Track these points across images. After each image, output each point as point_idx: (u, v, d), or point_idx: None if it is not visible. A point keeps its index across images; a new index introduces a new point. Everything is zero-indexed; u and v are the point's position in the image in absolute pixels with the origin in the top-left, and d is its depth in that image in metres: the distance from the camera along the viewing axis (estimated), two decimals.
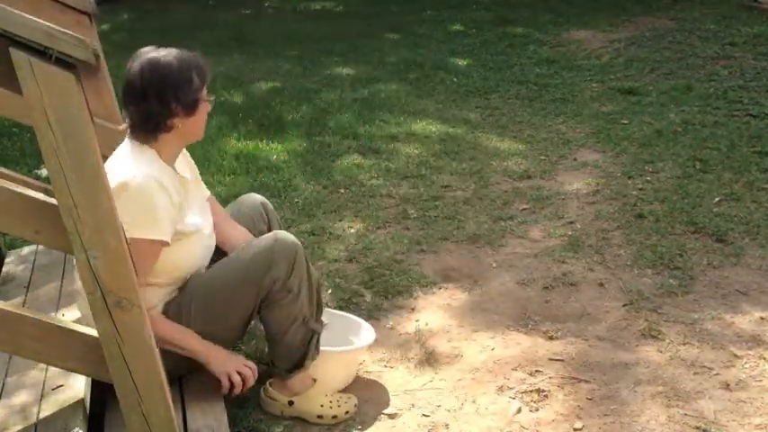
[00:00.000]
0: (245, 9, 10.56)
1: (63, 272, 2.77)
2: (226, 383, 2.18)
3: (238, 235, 2.43)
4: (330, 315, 2.63)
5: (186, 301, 2.18)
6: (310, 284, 2.28)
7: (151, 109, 2.07)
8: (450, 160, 4.52)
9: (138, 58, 2.10)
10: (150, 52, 2.12)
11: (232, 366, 2.20)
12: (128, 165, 2.05)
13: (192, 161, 2.42)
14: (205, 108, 2.19)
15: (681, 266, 3.18)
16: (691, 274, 3.13)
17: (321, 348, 2.38)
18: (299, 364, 2.34)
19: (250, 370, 2.22)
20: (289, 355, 2.32)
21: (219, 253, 2.35)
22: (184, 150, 2.33)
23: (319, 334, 2.35)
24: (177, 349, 2.14)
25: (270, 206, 2.62)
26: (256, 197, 2.62)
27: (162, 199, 2.03)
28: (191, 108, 2.12)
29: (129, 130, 2.14)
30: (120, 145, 2.16)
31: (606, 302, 2.99)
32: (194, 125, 2.18)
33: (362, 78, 6.44)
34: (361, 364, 2.67)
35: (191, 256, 2.21)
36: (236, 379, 2.18)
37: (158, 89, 2.07)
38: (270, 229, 2.56)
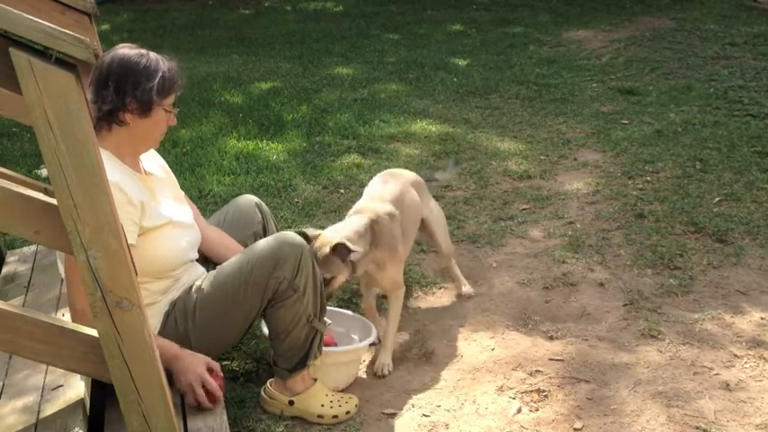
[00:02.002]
0: (244, 9, 10.56)
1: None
2: (191, 400, 2.08)
3: (228, 244, 2.44)
4: (333, 314, 2.63)
5: (191, 302, 2.19)
6: (315, 284, 2.28)
7: (107, 97, 2.05)
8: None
9: (114, 50, 2.10)
10: (127, 47, 2.11)
11: (196, 379, 2.07)
12: None
13: (166, 164, 2.42)
14: (163, 117, 2.15)
15: (681, 266, 3.18)
16: (691, 274, 3.13)
17: (323, 348, 2.38)
18: (301, 363, 2.34)
19: (217, 380, 2.10)
20: (291, 354, 2.32)
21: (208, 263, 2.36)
22: (154, 152, 2.33)
23: (322, 334, 2.35)
24: None
25: (265, 207, 2.62)
26: (251, 198, 2.62)
27: (117, 200, 2.03)
28: (145, 108, 2.09)
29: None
30: None
31: (606, 302, 2.99)
32: (147, 129, 2.14)
33: (362, 78, 6.45)
34: (362, 362, 2.67)
35: (166, 247, 2.18)
36: (200, 395, 2.06)
37: (118, 79, 2.05)
38: (265, 230, 2.57)
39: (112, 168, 2.05)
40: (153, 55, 2.13)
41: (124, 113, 2.08)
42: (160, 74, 2.10)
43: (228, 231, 2.51)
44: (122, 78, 2.06)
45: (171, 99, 2.15)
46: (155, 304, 2.19)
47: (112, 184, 2.00)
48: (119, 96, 2.06)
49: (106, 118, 2.09)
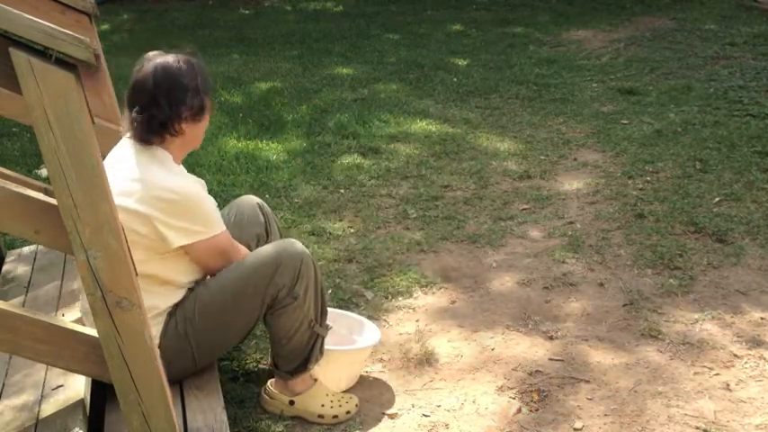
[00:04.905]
0: (244, 9, 10.56)
1: (63, 272, 2.77)
2: None
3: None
4: (335, 315, 2.63)
5: (192, 305, 2.19)
6: (317, 289, 2.28)
7: (160, 112, 2.08)
8: (451, 160, 4.52)
9: (149, 61, 2.10)
10: (160, 56, 2.12)
11: None
12: (172, 176, 2.09)
13: None
14: (207, 116, 2.21)
15: (681, 266, 3.18)
16: (691, 274, 3.13)
17: (326, 347, 2.38)
18: (302, 366, 2.34)
19: None
20: (292, 358, 2.33)
21: None
22: None
23: (323, 338, 2.35)
24: None
25: (267, 208, 2.62)
26: (253, 199, 2.62)
27: (210, 198, 2.18)
28: (199, 113, 2.15)
29: (131, 132, 2.13)
30: (126, 148, 2.15)
31: (606, 302, 2.99)
32: (198, 132, 2.21)
33: (362, 78, 6.44)
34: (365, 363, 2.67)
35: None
36: None
37: (168, 91, 2.08)
38: (267, 231, 2.56)
39: (192, 181, 2.16)
40: (183, 56, 2.15)
41: (179, 124, 2.12)
42: (200, 75, 2.15)
43: (230, 233, 2.51)
44: (172, 90, 2.09)
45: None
46: (162, 308, 2.19)
47: (202, 185, 2.13)
48: (173, 109, 2.09)
49: (158, 131, 2.11)
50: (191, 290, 2.21)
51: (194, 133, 2.18)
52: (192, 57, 2.17)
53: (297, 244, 2.26)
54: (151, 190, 2.04)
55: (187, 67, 2.12)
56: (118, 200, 2.00)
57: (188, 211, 2.07)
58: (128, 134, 2.15)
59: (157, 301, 2.14)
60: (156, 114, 2.08)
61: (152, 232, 2.06)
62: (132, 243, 2.00)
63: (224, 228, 2.19)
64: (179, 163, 2.20)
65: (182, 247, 2.11)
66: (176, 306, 2.19)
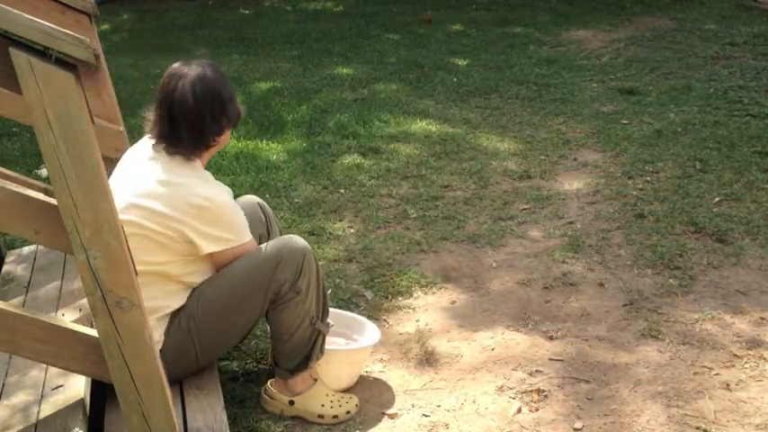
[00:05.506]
0: (244, 9, 10.56)
1: (63, 272, 2.77)
2: None
3: None
4: (335, 315, 2.63)
5: (194, 303, 2.19)
6: (318, 286, 2.28)
7: (207, 128, 2.12)
8: (451, 160, 4.52)
9: (183, 78, 2.10)
10: (192, 70, 2.12)
11: None
12: (202, 183, 2.12)
13: None
14: None
15: (681, 266, 3.18)
16: (691, 274, 3.13)
17: (326, 347, 2.38)
18: (303, 364, 2.34)
19: None
20: (294, 355, 2.33)
21: None
22: None
23: (325, 335, 2.35)
24: None
25: (267, 207, 2.62)
26: (253, 198, 2.62)
27: (238, 206, 2.22)
28: (235, 120, 2.20)
29: (172, 148, 2.13)
30: (151, 151, 2.16)
31: (606, 302, 2.99)
32: (228, 136, 2.25)
33: (362, 78, 6.44)
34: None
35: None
36: None
37: (212, 107, 2.12)
38: (268, 231, 2.57)
39: (222, 188, 2.18)
40: (207, 65, 2.16)
41: (221, 135, 2.17)
42: (227, 80, 2.19)
43: None
44: (213, 105, 2.12)
45: None
46: (174, 307, 2.19)
47: (232, 203, 2.16)
48: (218, 123, 2.14)
49: (201, 146, 2.15)
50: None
51: (226, 138, 2.24)
52: (212, 61, 2.20)
53: (298, 240, 2.27)
54: (183, 195, 2.07)
55: (218, 76, 2.16)
56: (143, 201, 2.03)
57: (219, 219, 2.11)
58: (155, 142, 2.16)
59: (170, 301, 2.17)
60: (202, 132, 2.12)
61: (180, 236, 2.09)
62: (154, 243, 2.03)
63: (251, 236, 2.24)
64: (204, 166, 2.22)
65: (211, 254, 2.15)
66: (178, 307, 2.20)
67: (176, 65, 2.16)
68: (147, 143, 2.20)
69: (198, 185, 2.10)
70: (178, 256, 2.12)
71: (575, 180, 4.16)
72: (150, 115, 2.19)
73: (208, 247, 2.12)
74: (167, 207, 2.05)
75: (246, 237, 2.21)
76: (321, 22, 9.19)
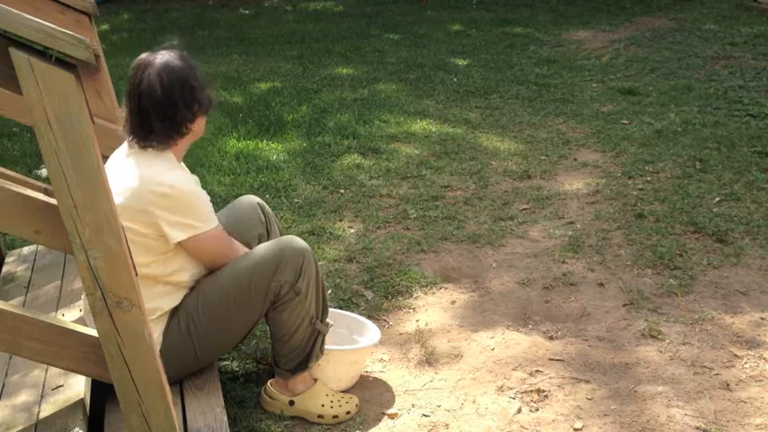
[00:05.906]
0: (244, 9, 10.56)
1: (63, 272, 2.78)
2: None
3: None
4: (335, 315, 2.63)
5: (193, 304, 2.19)
6: (318, 286, 2.28)
7: (178, 116, 2.09)
8: (451, 160, 4.52)
9: (149, 67, 2.08)
10: (156, 58, 2.10)
11: None
12: (167, 171, 2.09)
13: None
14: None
15: (681, 266, 3.18)
16: (691, 274, 3.13)
17: (326, 347, 2.38)
18: (303, 364, 2.34)
19: None
20: (293, 355, 2.33)
21: None
22: None
23: (324, 335, 2.35)
24: None
25: (267, 208, 2.62)
26: (253, 199, 2.61)
27: (204, 193, 2.18)
28: (207, 106, 2.17)
29: (144, 141, 2.11)
30: (127, 150, 2.15)
31: (606, 302, 2.99)
32: (202, 124, 2.22)
33: (362, 78, 6.45)
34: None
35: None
36: None
37: (182, 94, 2.09)
38: (268, 231, 2.56)
39: (188, 176, 2.16)
40: (174, 54, 2.14)
41: (194, 123, 2.15)
42: (196, 67, 2.15)
43: (231, 233, 2.51)
44: (183, 92, 2.09)
45: None
46: (165, 309, 2.19)
47: (196, 181, 2.13)
48: (190, 110, 2.12)
49: (175, 136, 2.13)
50: (192, 288, 2.22)
51: (200, 126, 2.20)
52: (179, 50, 2.16)
53: (298, 240, 2.26)
54: (148, 185, 2.04)
55: (186, 63, 2.12)
56: (119, 200, 2.01)
57: (183, 205, 2.08)
58: (129, 137, 2.14)
59: (161, 303, 2.16)
60: (174, 120, 2.09)
61: (155, 231, 2.06)
62: (136, 245, 2.02)
63: (217, 222, 2.20)
64: (181, 159, 2.21)
65: (180, 243, 2.11)
66: (179, 304, 2.20)
67: (143, 55, 2.13)
68: (125, 146, 2.19)
69: (163, 174, 2.07)
70: (157, 254, 2.11)
71: (575, 180, 4.16)
72: (123, 111, 2.16)
73: (176, 236, 2.08)
74: (138, 201, 2.04)
75: (213, 223, 2.16)
76: (321, 22, 9.19)
